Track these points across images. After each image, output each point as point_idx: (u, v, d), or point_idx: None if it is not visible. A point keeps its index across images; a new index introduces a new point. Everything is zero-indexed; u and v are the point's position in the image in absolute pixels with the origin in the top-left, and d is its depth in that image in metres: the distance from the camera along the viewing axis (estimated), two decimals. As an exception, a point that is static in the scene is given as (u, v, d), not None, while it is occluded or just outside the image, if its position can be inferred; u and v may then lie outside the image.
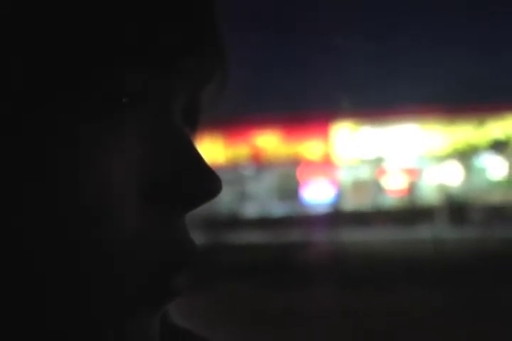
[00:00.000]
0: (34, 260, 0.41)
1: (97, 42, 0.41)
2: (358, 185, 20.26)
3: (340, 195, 20.00)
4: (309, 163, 19.70)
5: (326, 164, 19.82)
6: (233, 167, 19.68)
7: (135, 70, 0.42)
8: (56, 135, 0.41)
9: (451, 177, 20.02)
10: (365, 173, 20.44)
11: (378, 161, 20.23)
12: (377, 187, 20.36)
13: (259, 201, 20.04)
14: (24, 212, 0.41)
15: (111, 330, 0.43)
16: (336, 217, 17.74)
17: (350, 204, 19.91)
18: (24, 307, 0.42)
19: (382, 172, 20.24)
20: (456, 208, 18.10)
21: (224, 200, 19.16)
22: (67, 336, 0.42)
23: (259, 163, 19.99)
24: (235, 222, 17.93)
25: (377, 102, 19.12)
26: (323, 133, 19.80)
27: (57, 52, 0.41)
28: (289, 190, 19.94)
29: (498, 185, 19.95)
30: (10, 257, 0.41)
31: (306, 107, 18.64)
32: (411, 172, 20.17)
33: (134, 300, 0.43)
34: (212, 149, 19.00)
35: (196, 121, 0.49)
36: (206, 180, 0.45)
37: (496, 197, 19.06)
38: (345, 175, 20.34)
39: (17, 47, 0.40)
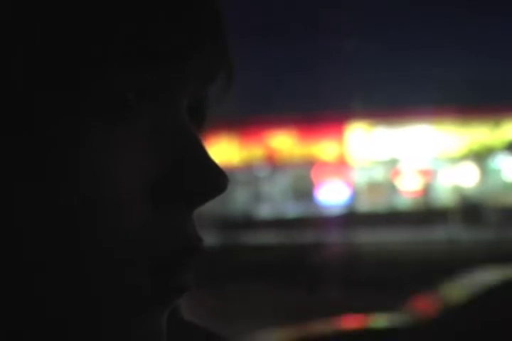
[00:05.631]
0: (34, 258, 0.41)
1: (97, 41, 0.41)
2: (373, 186, 20.18)
3: (354, 196, 19.93)
4: (324, 164, 19.64)
5: (341, 165, 19.76)
6: (248, 168, 19.64)
7: (138, 70, 0.43)
8: (57, 135, 0.41)
9: (466, 178, 19.92)
10: (379, 174, 20.36)
11: (393, 162, 20.15)
12: (392, 189, 20.28)
13: (274, 202, 19.98)
14: (25, 211, 0.41)
15: (114, 327, 0.43)
16: (351, 218, 17.67)
17: (364, 206, 19.85)
18: (25, 305, 0.42)
19: (396, 173, 20.16)
20: (471, 209, 18.00)
21: (238, 201, 19.13)
22: (68, 334, 0.43)
23: (274, 163, 19.94)
24: (250, 222, 17.88)
25: (392, 103, 19.05)
26: (338, 134, 19.74)
27: (57, 52, 0.41)
28: (304, 191, 19.88)
29: (513, 186, 19.85)
30: (10, 255, 0.41)
31: (321, 108, 18.59)
32: (426, 173, 20.08)
33: (138, 296, 0.43)
34: (227, 150, 18.97)
35: (203, 119, 0.49)
36: (212, 176, 0.45)
37: (511, 199, 18.95)
38: (359, 176, 20.27)
39: (17, 47, 0.41)
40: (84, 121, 0.42)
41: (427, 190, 20.15)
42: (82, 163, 0.42)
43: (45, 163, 0.41)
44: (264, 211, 19.73)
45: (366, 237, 15.21)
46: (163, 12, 0.43)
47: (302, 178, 19.98)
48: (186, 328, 0.53)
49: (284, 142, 19.81)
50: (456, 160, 20.01)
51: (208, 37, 0.45)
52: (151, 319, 0.44)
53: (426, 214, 18.08)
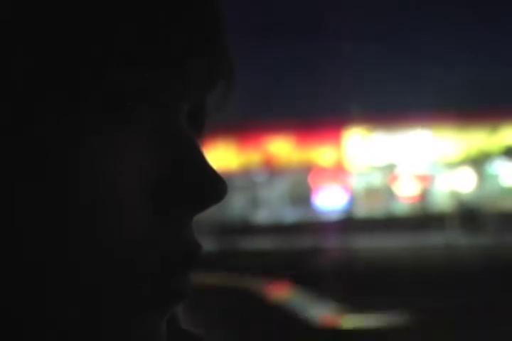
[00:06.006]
0: (34, 258, 0.41)
1: (97, 41, 0.41)
2: (370, 192, 20.21)
3: (352, 202, 19.95)
4: (321, 169, 19.66)
5: (338, 170, 19.78)
6: (245, 173, 19.66)
7: (138, 71, 0.43)
8: (57, 135, 0.41)
9: (464, 183, 19.95)
10: (377, 180, 20.39)
11: (390, 167, 20.18)
12: (390, 194, 20.31)
13: (271, 207, 20.01)
14: (25, 211, 0.41)
15: (114, 327, 0.43)
16: (348, 224, 17.69)
17: (362, 211, 19.87)
18: (25, 306, 0.42)
19: (394, 178, 20.19)
20: (469, 215, 18.04)
21: (236, 206, 19.14)
22: (68, 333, 0.43)
23: (272, 169, 19.97)
24: (247, 228, 17.90)
25: (390, 108, 19.09)
26: (336, 139, 19.76)
27: (57, 52, 0.41)
28: (301, 196, 19.90)
29: (510, 191, 19.87)
30: (10, 256, 0.41)
31: (319, 113, 18.63)
32: (423, 178, 20.11)
33: (138, 296, 0.43)
34: (225, 155, 18.99)
35: (202, 124, 0.49)
36: (210, 183, 0.45)
37: (509, 204, 18.98)
38: (357, 182, 20.30)
39: (17, 47, 0.41)
40: (84, 121, 0.42)
41: (424, 195, 20.18)
42: (82, 163, 0.42)
43: (45, 163, 0.41)
44: (262, 216, 19.75)
45: (364, 243, 15.22)
46: (163, 12, 0.43)
47: (300, 183, 20.01)
48: (185, 337, 0.53)
49: (281, 147, 19.84)
50: (453, 165, 20.04)
51: (208, 37, 0.45)
52: (151, 319, 0.44)
53: (423, 219, 18.10)
